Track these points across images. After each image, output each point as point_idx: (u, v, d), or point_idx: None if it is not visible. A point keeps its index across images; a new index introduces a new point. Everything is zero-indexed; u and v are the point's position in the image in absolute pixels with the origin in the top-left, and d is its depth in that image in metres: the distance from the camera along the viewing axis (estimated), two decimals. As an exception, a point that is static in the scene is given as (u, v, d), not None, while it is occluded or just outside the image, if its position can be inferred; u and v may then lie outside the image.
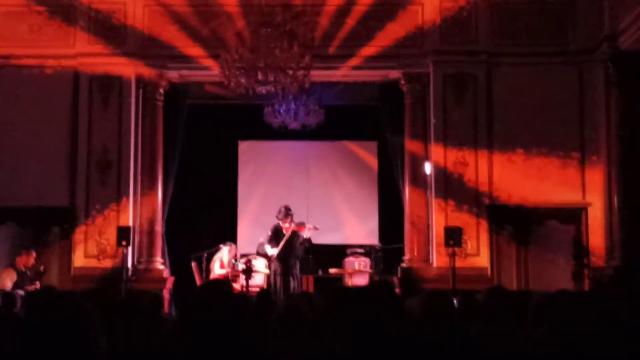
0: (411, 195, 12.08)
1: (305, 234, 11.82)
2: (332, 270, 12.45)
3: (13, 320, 5.36)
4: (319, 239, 12.36)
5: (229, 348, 2.05)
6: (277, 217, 11.85)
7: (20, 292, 8.89)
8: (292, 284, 11.60)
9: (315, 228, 11.90)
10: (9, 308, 6.92)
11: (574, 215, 11.63)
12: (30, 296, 7.49)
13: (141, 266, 11.90)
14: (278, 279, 11.62)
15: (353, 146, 14.56)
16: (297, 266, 11.81)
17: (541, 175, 11.65)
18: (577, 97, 11.71)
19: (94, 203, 11.62)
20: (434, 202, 11.68)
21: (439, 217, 11.58)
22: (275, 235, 11.74)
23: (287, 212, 11.76)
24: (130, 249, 11.30)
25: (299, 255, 11.83)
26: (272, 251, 11.66)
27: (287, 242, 11.63)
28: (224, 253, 12.04)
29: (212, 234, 12.68)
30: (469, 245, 11.45)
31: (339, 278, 12.20)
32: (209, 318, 2.07)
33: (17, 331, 2.40)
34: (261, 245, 13.21)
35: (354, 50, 11.88)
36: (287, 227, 11.71)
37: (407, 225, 12.13)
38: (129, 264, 11.47)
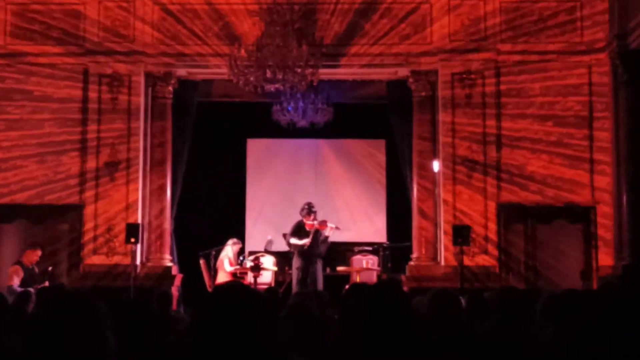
0: (419, 193, 12.08)
1: (327, 232, 11.88)
2: (340, 268, 12.48)
3: (25, 318, 5.40)
4: (326, 236, 12.39)
5: (237, 345, 2.06)
6: (300, 214, 11.92)
7: (31, 290, 8.92)
8: (309, 281, 11.59)
9: (337, 228, 11.97)
10: (22, 306, 6.96)
11: (583, 214, 11.60)
12: (41, 294, 7.51)
13: (150, 263, 11.94)
14: (296, 273, 11.66)
15: (361, 144, 14.57)
16: (319, 264, 11.81)
17: (550, 173, 11.63)
18: (586, 95, 11.68)
19: (103, 200, 11.66)
20: (442, 200, 11.67)
21: (447, 215, 11.57)
22: (297, 231, 11.79)
23: (310, 209, 11.84)
24: (139, 246, 11.34)
25: (320, 253, 11.82)
26: (303, 241, 11.66)
27: (309, 240, 11.67)
28: (229, 250, 12.08)
29: (221, 232, 12.70)
30: (477, 243, 11.43)
31: (347, 276, 12.22)
32: (222, 315, 2.09)
33: (28, 328, 2.42)
34: (269, 242, 13.27)
35: (363, 49, 11.88)
36: (310, 225, 11.77)
37: (415, 224, 12.13)
38: (138, 261, 11.51)
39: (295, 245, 11.73)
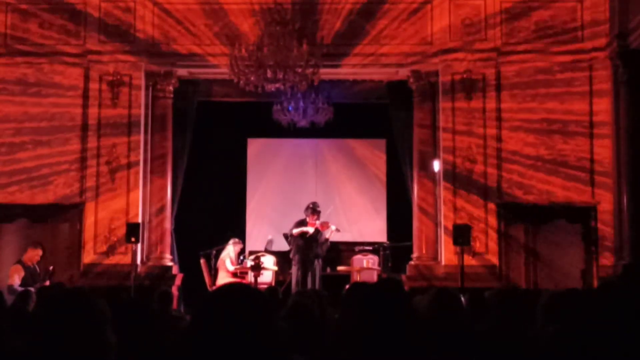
0: (420, 193, 12.09)
1: (327, 233, 11.94)
2: (340, 268, 12.49)
3: (26, 317, 5.40)
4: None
5: (238, 344, 2.06)
6: (304, 213, 11.99)
7: (32, 289, 8.91)
8: (309, 281, 11.66)
9: (337, 230, 12.03)
10: (23, 305, 6.96)
11: (583, 214, 11.59)
12: (42, 293, 7.51)
13: (150, 263, 11.94)
14: (295, 271, 11.73)
15: (362, 144, 14.57)
16: (317, 265, 11.86)
17: (550, 173, 11.62)
18: (587, 95, 11.68)
19: (104, 200, 11.66)
20: (443, 200, 11.67)
21: (448, 214, 11.57)
22: (300, 227, 11.88)
23: (314, 209, 11.94)
24: (139, 245, 11.34)
25: (320, 254, 11.89)
26: (307, 228, 11.75)
27: (309, 238, 11.72)
28: (230, 249, 12.09)
29: (221, 231, 12.72)
30: (478, 243, 11.43)
31: (347, 276, 12.22)
32: (222, 315, 2.09)
33: (29, 327, 2.43)
34: (269, 242, 13.29)
35: (363, 49, 11.88)
36: (312, 224, 11.84)
37: (415, 223, 12.13)
38: (138, 261, 11.51)
39: (299, 235, 11.77)
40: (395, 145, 13.03)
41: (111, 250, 11.57)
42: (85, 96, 11.87)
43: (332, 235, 12.08)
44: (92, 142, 11.78)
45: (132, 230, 10.96)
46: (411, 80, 12.15)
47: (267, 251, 12.96)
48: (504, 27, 11.82)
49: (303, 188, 13.98)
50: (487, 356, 3.71)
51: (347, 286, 7.70)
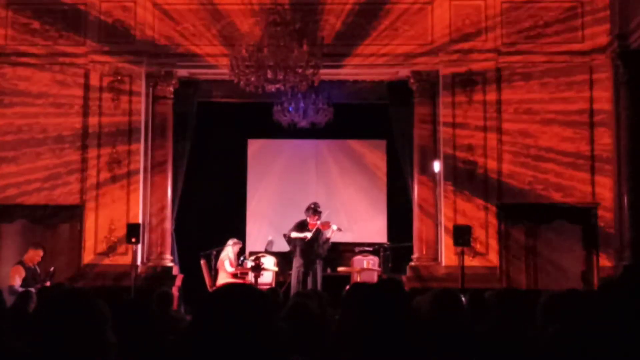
0: (420, 193, 12.09)
1: (328, 233, 11.94)
2: (341, 269, 12.49)
3: (26, 318, 5.41)
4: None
5: (238, 345, 2.06)
6: (305, 214, 11.99)
7: (32, 290, 8.91)
8: (309, 281, 11.67)
9: (339, 229, 12.04)
10: (24, 305, 6.97)
11: (584, 215, 11.58)
12: (42, 293, 7.52)
13: (150, 263, 11.95)
14: (296, 272, 11.74)
15: (362, 144, 14.57)
16: (318, 265, 11.87)
17: (551, 173, 11.62)
18: (587, 95, 11.69)
19: (104, 200, 11.66)
20: (443, 201, 11.67)
21: (448, 215, 11.57)
22: (300, 228, 11.88)
23: (315, 210, 11.94)
24: (139, 246, 11.33)
25: (321, 254, 11.90)
26: (304, 234, 11.75)
27: (310, 238, 11.74)
28: (229, 250, 12.09)
29: (221, 232, 12.72)
30: (478, 243, 11.43)
31: (347, 276, 12.22)
32: (222, 315, 2.09)
33: (29, 328, 2.43)
34: (270, 243, 13.28)
35: (364, 49, 11.88)
36: (313, 225, 11.85)
37: (416, 224, 12.13)
38: (139, 261, 11.51)
39: (296, 239, 11.79)
40: (395, 146, 13.02)
41: (111, 251, 11.58)
42: (86, 98, 11.87)
43: (333, 235, 12.08)
44: (92, 143, 11.78)
45: (133, 231, 10.96)
46: (412, 80, 12.16)
47: (267, 252, 12.96)
48: (505, 27, 11.82)
49: (303, 189, 13.98)
50: (487, 357, 3.71)
51: (348, 287, 7.71)
